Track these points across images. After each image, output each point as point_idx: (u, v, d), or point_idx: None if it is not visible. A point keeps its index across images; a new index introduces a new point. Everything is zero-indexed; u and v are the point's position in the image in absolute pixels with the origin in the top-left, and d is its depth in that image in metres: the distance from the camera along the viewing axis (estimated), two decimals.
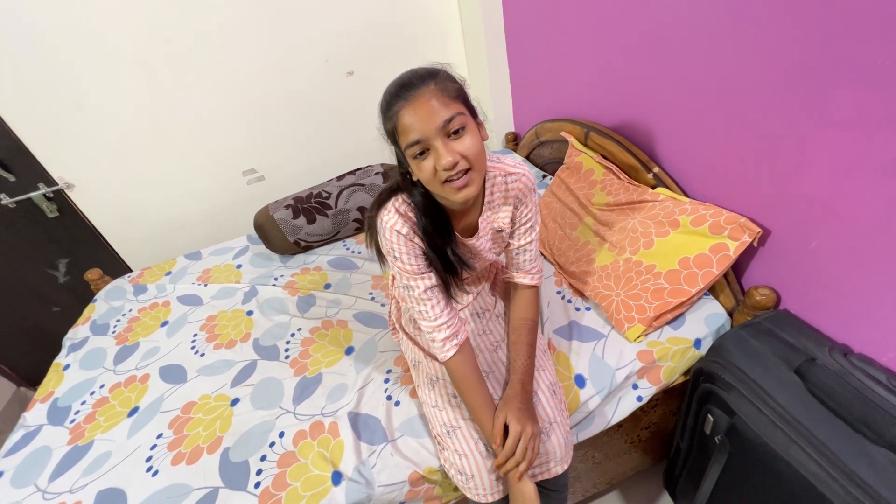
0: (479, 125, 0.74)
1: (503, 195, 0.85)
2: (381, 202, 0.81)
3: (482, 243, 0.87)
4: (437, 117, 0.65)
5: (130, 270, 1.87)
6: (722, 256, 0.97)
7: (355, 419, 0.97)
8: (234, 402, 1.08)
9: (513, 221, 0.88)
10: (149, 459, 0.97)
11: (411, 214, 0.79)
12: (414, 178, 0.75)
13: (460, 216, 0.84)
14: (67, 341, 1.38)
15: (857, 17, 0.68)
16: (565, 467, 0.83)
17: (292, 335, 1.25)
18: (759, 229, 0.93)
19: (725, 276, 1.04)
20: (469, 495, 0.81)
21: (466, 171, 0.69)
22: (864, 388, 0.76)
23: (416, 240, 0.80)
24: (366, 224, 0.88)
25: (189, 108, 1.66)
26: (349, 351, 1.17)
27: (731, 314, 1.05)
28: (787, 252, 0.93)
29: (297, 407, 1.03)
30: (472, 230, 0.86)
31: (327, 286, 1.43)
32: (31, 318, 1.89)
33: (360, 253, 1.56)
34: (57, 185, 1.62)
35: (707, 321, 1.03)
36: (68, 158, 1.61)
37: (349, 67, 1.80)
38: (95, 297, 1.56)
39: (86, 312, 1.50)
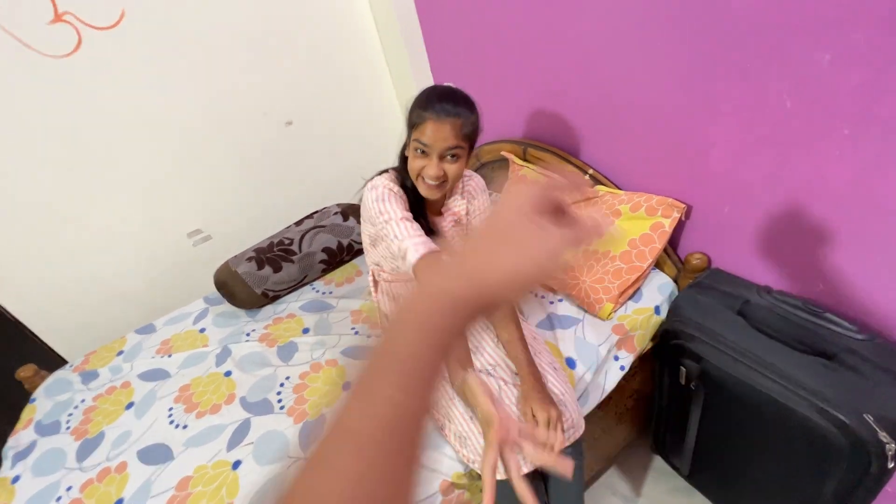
0: (468, 158, 0.93)
1: (460, 190, 1.10)
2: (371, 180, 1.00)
3: (444, 223, 1.06)
4: (447, 143, 0.86)
5: (66, 362, 1.67)
6: (661, 233, 1.15)
7: None
8: (236, 464, 1.02)
9: (467, 213, 1.09)
10: None
11: (398, 186, 0.98)
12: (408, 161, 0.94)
13: (430, 200, 1.02)
14: (9, 451, 1.20)
15: (728, 27, 0.88)
16: (581, 431, 0.93)
17: (282, 385, 1.22)
18: (684, 205, 1.13)
19: (665, 249, 1.22)
20: (499, 477, 0.86)
21: (442, 183, 0.91)
22: (790, 315, 0.95)
23: (404, 197, 0.97)
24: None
25: (123, 172, 1.57)
26: (346, 386, 1.16)
27: (675, 281, 1.23)
28: (708, 220, 1.13)
29: (307, 451, 1.01)
30: (438, 212, 1.09)
31: (305, 330, 1.41)
32: None
33: (331, 293, 1.56)
34: None
35: (660, 290, 1.20)
36: None
37: (287, 118, 1.84)
38: (33, 397, 1.37)
39: (24, 415, 1.32)
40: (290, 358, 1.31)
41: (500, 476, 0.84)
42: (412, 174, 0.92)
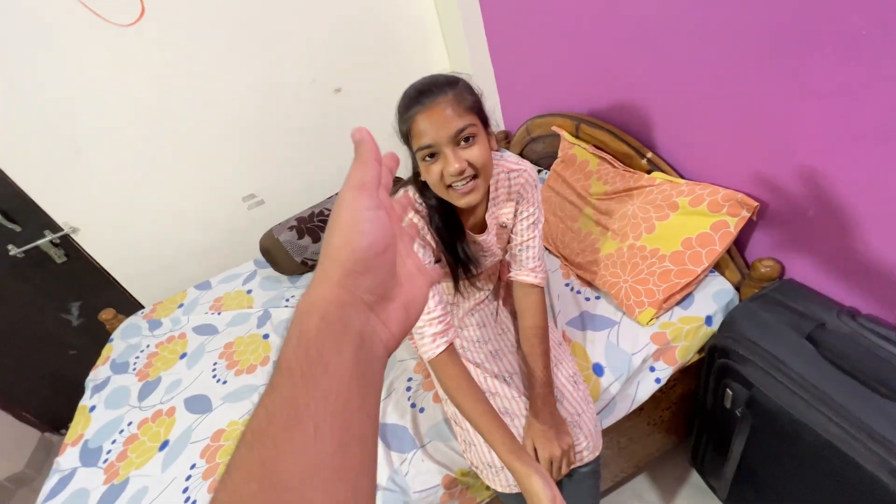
0: (490, 135, 0.78)
1: (507, 191, 0.89)
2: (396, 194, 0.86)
3: (491, 239, 0.91)
4: (450, 126, 0.70)
5: (143, 307, 1.89)
6: (723, 233, 0.99)
7: (383, 429, 0.99)
8: None
9: (515, 216, 0.92)
10: (185, 490, 0.99)
11: (423, 210, 0.84)
12: (423, 179, 0.79)
13: (468, 213, 0.89)
14: (90, 383, 1.40)
15: None
16: (597, 454, 0.85)
17: None
18: (757, 203, 0.95)
19: (729, 251, 1.06)
20: (499, 488, 0.83)
21: (472, 177, 0.74)
22: (876, 348, 0.78)
23: (428, 236, 0.84)
24: None
25: (184, 140, 1.68)
26: None
27: (738, 288, 1.07)
28: (787, 222, 0.95)
29: None
30: (481, 227, 0.90)
31: None
32: (49, 364, 1.91)
33: None
34: (62, 230, 1.64)
35: (716, 297, 1.05)
36: (71, 203, 1.63)
37: (336, 84, 1.82)
38: (112, 337, 1.58)
39: (104, 353, 1.52)
40: None
41: (513, 489, 0.81)
42: (437, 189, 0.76)
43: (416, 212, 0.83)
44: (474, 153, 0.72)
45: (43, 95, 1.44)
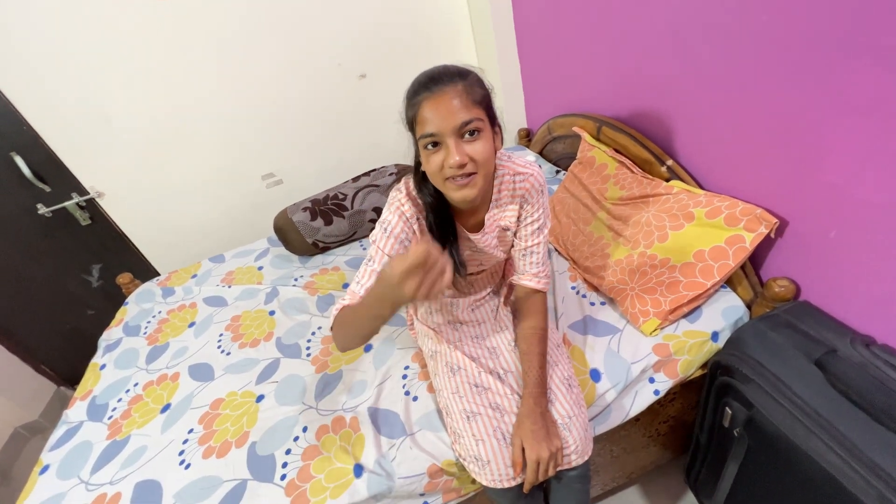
0: (496, 134, 0.76)
1: (510, 193, 0.87)
2: (402, 177, 0.86)
3: (487, 240, 0.89)
4: (455, 117, 0.68)
5: (158, 274, 1.95)
6: (738, 248, 0.96)
7: (375, 414, 1.00)
8: (260, 398, 1.12)
9: (519, 220, 0.90)
10: (181, 453, 1.02)
11: (420, 203, 0.83)
12: (423, 168, 0.77)
13: (469, 213, 0.87)
14: (103, 342, 1.45)
15: (871, 4, 0.66)
16: (585, 458, 0.84)
17: (313, 334, 1.29)
18: (776, 220, 0.92)
19: (743, 267, 1.02)
20: (485, 482, 0.83)
21: (471, 173, 0.72)
22: (887, 379, 0.75)
23: (415, 227, 0.82)
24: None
25: (209, 116, 1.72)
26: (368, 348, 1.20)
27: (749, 306, 1.03)
28: (807, 242, 0.91)
29: (319, 402, 1.07)
30: (480, 226, 0.89)
31: (345, 286, 1.46)
32: (69, 322, 1.99)
33: None
34: (89, 194, 1.71)
35: (724, 314, 1.02)
36: (98, 169, 1.69)
37: (362, 70, 1.83)
38: (127, 301, 1.63)
39: (118, 315, 1.58)
40: (325, 309, 1.38)
41: (499, 484, 0.81)
42: (435, 180, 0.74)
43: (413, 203, 0.82)
44: (477, 148, 0.70)
45: (78, 66, 1.49)
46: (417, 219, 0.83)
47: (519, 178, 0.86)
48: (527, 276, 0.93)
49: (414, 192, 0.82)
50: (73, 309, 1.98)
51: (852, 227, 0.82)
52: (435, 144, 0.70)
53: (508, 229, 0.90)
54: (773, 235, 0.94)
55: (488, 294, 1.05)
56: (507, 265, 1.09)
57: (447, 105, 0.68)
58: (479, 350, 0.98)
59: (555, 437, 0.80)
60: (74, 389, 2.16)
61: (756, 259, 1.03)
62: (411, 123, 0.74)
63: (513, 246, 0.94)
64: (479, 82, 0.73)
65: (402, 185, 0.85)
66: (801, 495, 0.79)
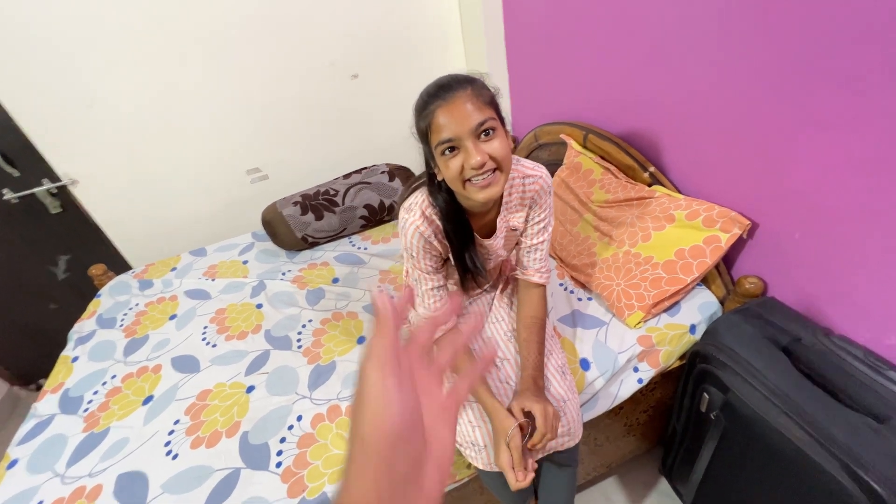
0: (506, 133, 0.78)
1: (520, 196, 0.90)
2: (407, 199, 0.87)
3: (498, 242, 0.93)
4: (471, 119, 0.70)
5: (131, 267, 1.87)
6: (714, 248, 1.05)
7: None
8: (250, 388, 1.10)
9: (526, 220, 0.94)
10: (167, 444, 0.99)
11: (435, 218, 0.84)
12: (439, 178, 0.80)
13: (479, 217, 0.89)
14: (74, 335, 1.38)
15: (833, 33, 0.76)
16: (577, 441, 0.89)
17: (303, 326, 1.28)
18: (749, 222, 1.01)
19: (717, 267, 1.11)
20: (481, 465, 0.86)
21: (493, 171, 0.74)
22: (844, 363, 0.84)
23: (435, 242, 0.85)
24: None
25: (195, 107, 1.68)
26: (360, 340, 1.21)
27: (722, 302, 1.12)
28: (774, 243, 1.01)
29: (313, 392, 1.07)
30: (490, 230, 0.92)
31: (335, 280, 1.47)
32: (27, 316, 1.87)
33: (366, 249, 1.60)
34: (61, 181, 1.63)
35: (700, 309, 1.10)
36: (74, 155, 1.61)
37: (354, 70, 1.85)
38: (100, 293, 1.56)
39: (91, 307, 1.50)
40: (316, 303, 1.37)
41: (494, 468, 0.83)
42: (455, 184, 0.75)
43: (425, 218, 0.84)
44: (495, 146, 0.72)
45: (59, 45, 1.44)
46: (435, 234, 0.85)
47: (529, 181, 0.88)
48: (530, 272, 0.97)
49: (427, 209, 0.84)
50: (33, 302, 1.86)
51: (814, 230, 0.91)
52: (452, 149, 0.72)
53: (516, 230, 0.94)
54: (745, 236, 1.03)
55: (486, 287, 1.09)
56: (505, 261, 1.14)
57: (461, 109, 0.70)
58: (476, 340, 1.01)
59: (552, 407, 0.83)
60: (28, 389, 2.04)
61: (729, 259, 1.13)
62: (425, 133, 0.75)
63: (517, 243, 0.98)
64: (485, 86, 0.76)
65: (410, 206, 0.85)
66: (771, 470, 0.86)
